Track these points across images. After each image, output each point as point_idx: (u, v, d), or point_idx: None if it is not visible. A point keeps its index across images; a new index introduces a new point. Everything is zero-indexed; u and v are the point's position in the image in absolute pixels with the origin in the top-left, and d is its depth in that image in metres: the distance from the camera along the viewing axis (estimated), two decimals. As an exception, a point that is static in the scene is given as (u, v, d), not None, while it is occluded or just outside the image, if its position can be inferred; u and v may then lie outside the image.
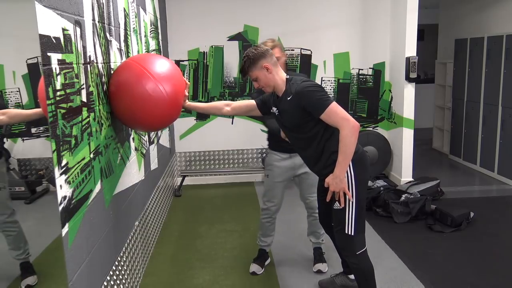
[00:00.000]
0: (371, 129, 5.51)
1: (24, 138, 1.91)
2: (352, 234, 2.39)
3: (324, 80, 5.40)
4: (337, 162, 2.29)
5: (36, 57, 1.64)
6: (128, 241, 2.74)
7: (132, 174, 2.94)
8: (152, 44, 4.04)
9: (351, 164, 2.34)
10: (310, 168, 2.59)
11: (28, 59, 1.74)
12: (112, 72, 2.50)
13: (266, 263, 3.30)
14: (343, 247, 2.50)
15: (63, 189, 1.72)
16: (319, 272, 3.17)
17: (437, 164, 6.18)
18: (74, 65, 1.90)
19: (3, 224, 1.84)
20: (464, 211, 3.93)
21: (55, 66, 1.69)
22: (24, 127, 1.90)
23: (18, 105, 1.81)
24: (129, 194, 2.82)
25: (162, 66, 2.42)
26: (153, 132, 3.86)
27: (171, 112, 2.46)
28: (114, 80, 2.39)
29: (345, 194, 2.34)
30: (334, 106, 2.27)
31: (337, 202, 2.38)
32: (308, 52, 5.34)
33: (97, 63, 2.24)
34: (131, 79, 2.33)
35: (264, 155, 5.43)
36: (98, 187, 2.15)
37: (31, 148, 1.92)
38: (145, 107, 2.32)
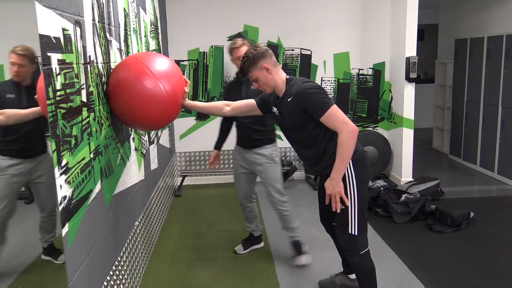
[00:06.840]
0: (371, 129, 5.51)
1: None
2: (356, 234, 2.39)
3: (324, 80, 5.40)
4: (334, 166, 2.29)
5: (36, 57, 1.64)
6: (128, 241, 2.74)
7: (132, 174, 2.94)
8: (152, 44, 4.04)
9: (352, 164, 2.33)
10: (309, 168, 2.58)
11: (28, 59, 1.74)
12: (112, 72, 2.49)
13: (256, 246, 3.56)
14: (347, 247, 2.50)
15: (63, 189, 1.72)
16: (303, 266, 3.17)
17: (437, 164, 6.18)
18: (74, 65, 1.90)
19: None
20: (464, 211, 3.93)
21: (55, 66, 1.69)
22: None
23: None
24: (129, 194, 2.82)
25: (162, 64, 2.41)
26: (153, 132, 3.86)
27: (170, 111, 2.44)
28: (114, 77, 2.39)
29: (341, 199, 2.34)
30: (335, 109, 2.27)
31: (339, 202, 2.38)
32: (308, 52, 5.33)
33: (97, 63, 2.23)
34: (130, 76, 2.32)
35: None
36: (98, 187, 2.15)
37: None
38: (144, 105, 2.31)
